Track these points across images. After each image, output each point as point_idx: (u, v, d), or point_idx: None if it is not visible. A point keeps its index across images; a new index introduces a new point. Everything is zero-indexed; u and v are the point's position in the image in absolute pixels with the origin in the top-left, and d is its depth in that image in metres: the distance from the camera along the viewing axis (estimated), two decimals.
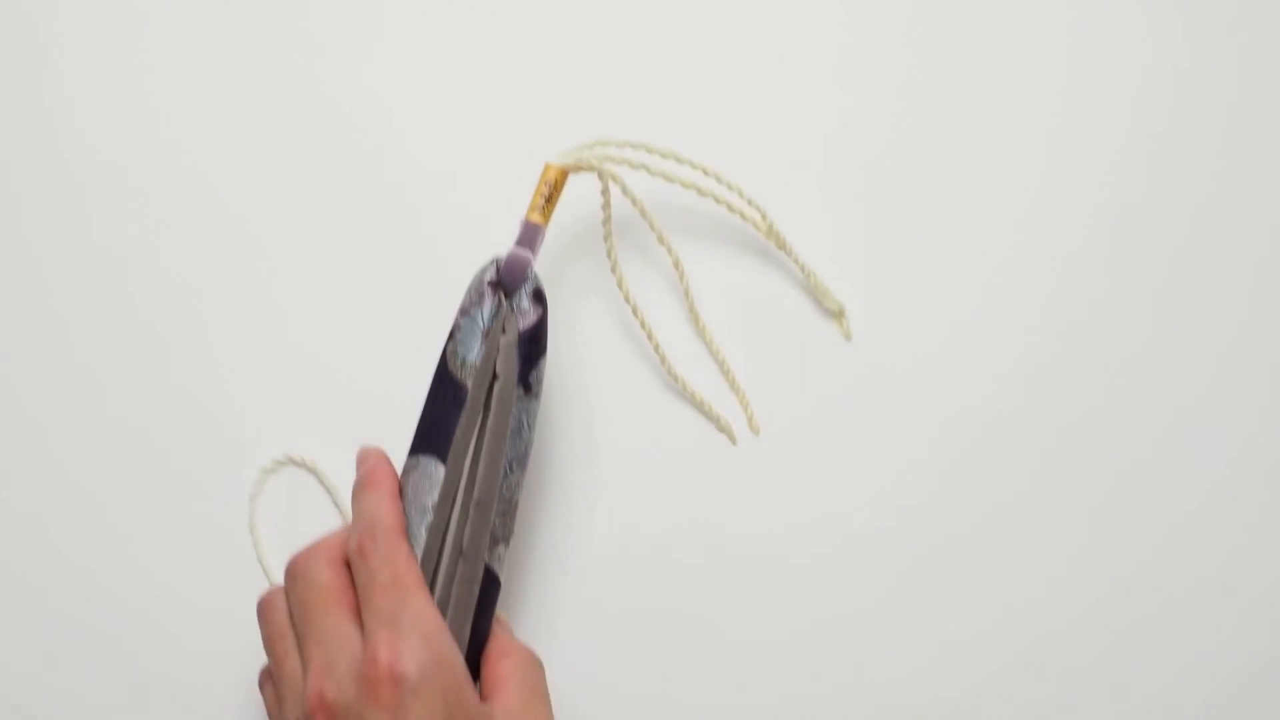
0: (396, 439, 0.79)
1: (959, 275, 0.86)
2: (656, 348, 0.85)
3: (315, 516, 0.83)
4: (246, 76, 0.87)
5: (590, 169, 0.82)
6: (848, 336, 0.86)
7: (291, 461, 0.82)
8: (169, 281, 0.86)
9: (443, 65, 0.87)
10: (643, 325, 0.84)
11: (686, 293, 0.85)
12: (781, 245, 0.85)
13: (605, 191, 0.83)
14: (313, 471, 0.83)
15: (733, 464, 0.85)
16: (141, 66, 0.86)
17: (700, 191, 0.84)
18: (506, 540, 0.78)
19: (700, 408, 0.85)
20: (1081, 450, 0.85)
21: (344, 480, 0.82)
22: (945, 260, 0.86)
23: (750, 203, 0.85)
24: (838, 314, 0.85)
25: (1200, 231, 0.86)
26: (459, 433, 0.77)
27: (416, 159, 0.87)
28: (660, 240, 0.84)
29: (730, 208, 0.85)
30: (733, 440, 0.85)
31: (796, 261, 0.85)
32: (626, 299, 0.84)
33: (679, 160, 0.84)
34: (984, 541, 0.84)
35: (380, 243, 0.86)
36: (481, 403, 0.78)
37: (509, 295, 0.78)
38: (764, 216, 0.85)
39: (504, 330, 0.78)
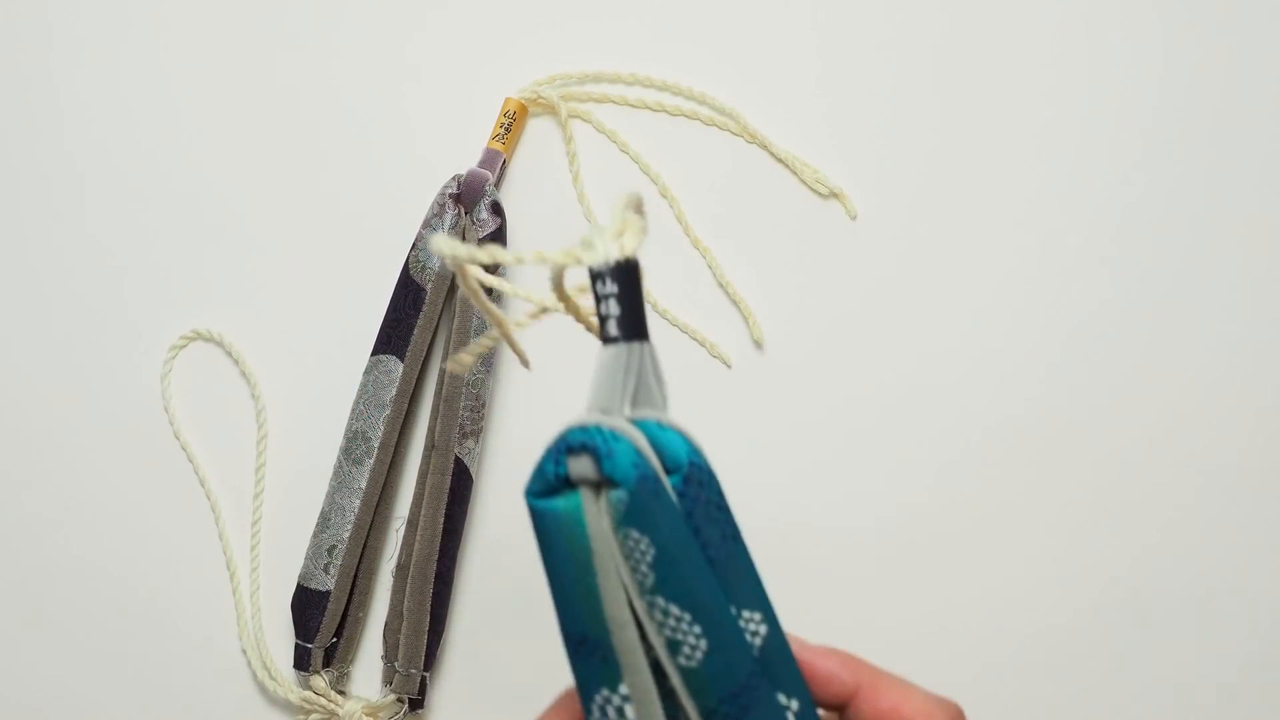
0: (308, 314, 0.83)
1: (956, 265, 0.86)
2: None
3: (226, 389, 0.85)
4: None
5: (549, 107, 0.87)
6: (853, 215, 0.85)
7: (199, 336, 0.85)
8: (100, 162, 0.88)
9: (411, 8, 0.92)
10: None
11: (679, 217, 0.87)
12: (764, 144, 0.86)
13: (565, 124, 0.87)
14: (219, 344, 0.85)
15: (731, 384, 0.85)
16: None
17: (670, 112, 0.87)
18: (476, 435, 0.79)
19: (691, 334, 0.86)
20: (1080, 451, 0.82)
21: (249, 350, 0.85)
22: (942, 260, 0.87)
23: (722, 110, 0.87)
24: (838, 195, 0.85)
25: (1203, 232, 0.84)
26: (416, 333, 0.80)
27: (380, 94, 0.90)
28: (642, 169, 0.87)
29: (704, 121, 0.87)
30: (727, 364, 0.86)
31: (780, 157, 0.86)
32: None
33: (644, 85, 0.87)
34: (982, 539, 0.82)
35: (324, 153, 0.87)
36: (440, 305, 0.81)
37: (469, 209, 0.82)
38: (738, 120, 0.87)
39: (464, 239, 0.82)
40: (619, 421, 0.44)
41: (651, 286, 0.86)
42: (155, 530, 0.83)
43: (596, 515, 0.44)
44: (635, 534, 0.44)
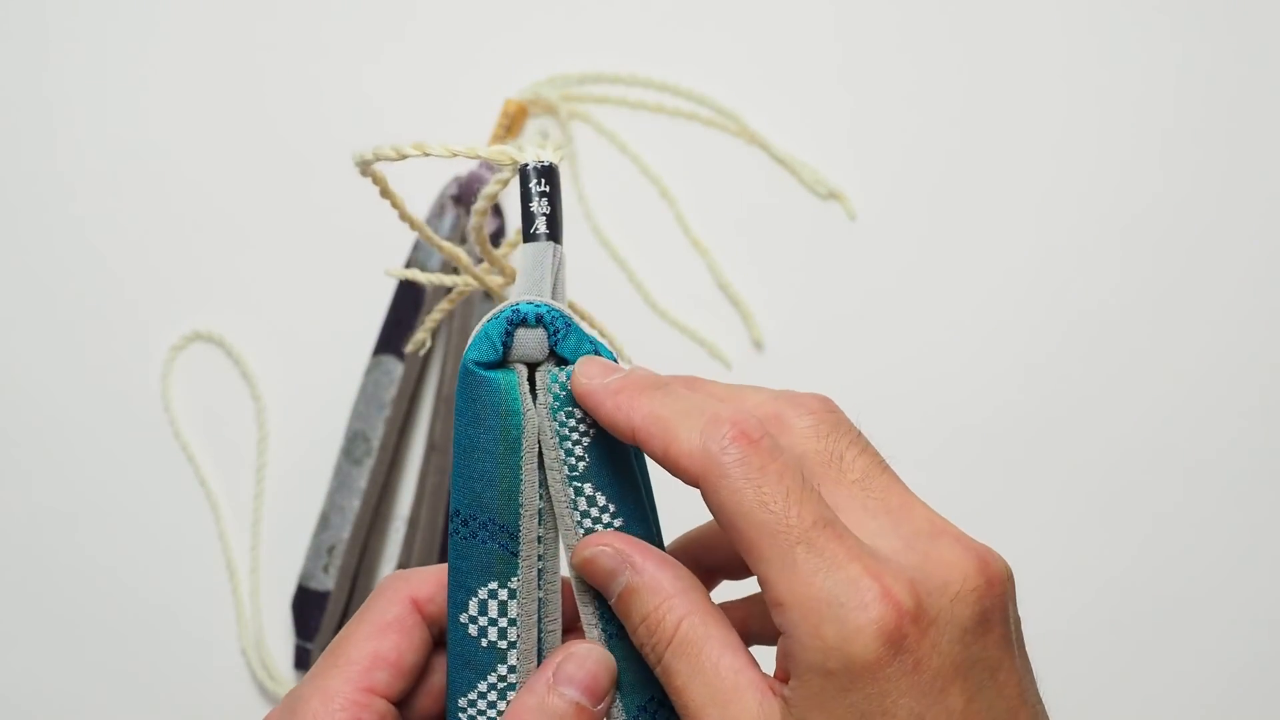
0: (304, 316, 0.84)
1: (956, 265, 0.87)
2: (631, 277, 0.86)
3: (226, 389, 0.85)
4: None
5: (549, 107, 0.87)
6: (852, 216, 0.85)
7: (199, 336, 0.85)
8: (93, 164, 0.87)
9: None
10: (615, 257, 0.86)
11: (679, 217, 0.87)
12: (764, 145, 0.86)
13: (564, 125, 0.87)
14: (220, 344, 0.85)
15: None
16: None
17: (669, 112, 0.87)
18: None
19: (691, 335, 0.86)
20: (1075, 450, 0.83)
21: (250, 351, 0.85)
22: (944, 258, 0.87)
23: (722, 111, 0.87)
24: (837, 196, 0.85)
25: (1206, 235, 0.85)
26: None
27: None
28: (642, 169, 0.87)
29: (704, 121, 0.87)
30: (727, 365, 0.86)
31: (780, 158, 0.86)
32: (595, 232, 0.86)
33: (644, 85, 0.87)
34: (980, 537, 0.83)
35: (312, 155, 0.87)
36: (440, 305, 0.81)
37: (469, 210, 0.82)
38: (738, 121, 0.87)
39: (464, 240, 0.82)
40: (563, 306, 0.45)
41: (652, 286, 0.86)
42: (156, 530, 0.83)
43: (528, 395, 0.44)
44: (579, 414, 0.44)
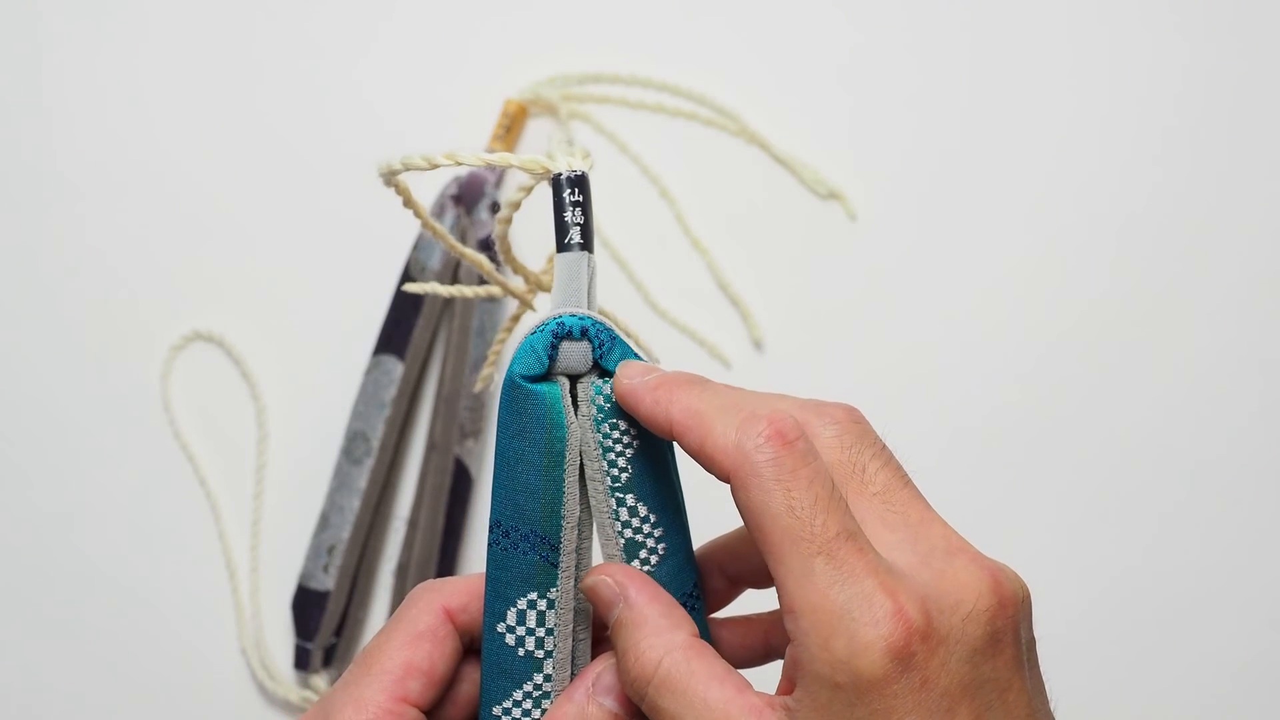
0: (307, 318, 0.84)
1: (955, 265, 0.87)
2: (631, 277, 0.86)
3: (226, 389, 0.85)
4: None
5: (550, 107, 0.87)
6: (852, 216, 0.85)
7: (199, 336, 0.85)
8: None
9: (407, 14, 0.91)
10: (615, 257, 0.86)
11: (679, 217, 0.87)
12: (764, 144, 0.86)
13: (564, 125, 0.87)
14: (220, 344, 0.85)
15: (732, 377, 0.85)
16: None
17: (669, 112, 0.87)
18: (476, 435, 0.79)
19: (691, 334, 0.86)
20: (1072, 450, 0.83)
21: (250, 351, 0.85)
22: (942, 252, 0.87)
23: (722, 110, 0.87)
24: (837, 196, 0.85)
25: (1208, 234, 0.85)
26: (417, 333, 0.80)
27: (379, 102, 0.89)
28: (642, 169, 0.87)
29: (704, 121, 0.87)
30: (727, 365, 0.86)
31: (780, 157, 0.86)
32: (595, 232, 0.86)
33: (644, 85, 0.87)
34: (978, 538, 0.83)
35: (315, 154, 0.87)
36: (440, 305, 0.81)
37: (469, 209, 0.82)
38: (737, 120, 0.87)
39: (464, 240, 0.82)
40: (607, 320, 0.46)
41: (652, 286, 0.86)
42: (155, 530, 0.83)
43: (570, 408, 0.45)
44: (623, 425, 0.45)
